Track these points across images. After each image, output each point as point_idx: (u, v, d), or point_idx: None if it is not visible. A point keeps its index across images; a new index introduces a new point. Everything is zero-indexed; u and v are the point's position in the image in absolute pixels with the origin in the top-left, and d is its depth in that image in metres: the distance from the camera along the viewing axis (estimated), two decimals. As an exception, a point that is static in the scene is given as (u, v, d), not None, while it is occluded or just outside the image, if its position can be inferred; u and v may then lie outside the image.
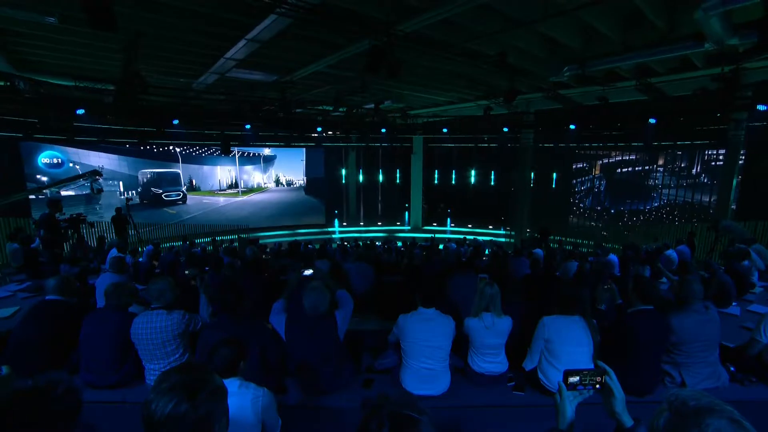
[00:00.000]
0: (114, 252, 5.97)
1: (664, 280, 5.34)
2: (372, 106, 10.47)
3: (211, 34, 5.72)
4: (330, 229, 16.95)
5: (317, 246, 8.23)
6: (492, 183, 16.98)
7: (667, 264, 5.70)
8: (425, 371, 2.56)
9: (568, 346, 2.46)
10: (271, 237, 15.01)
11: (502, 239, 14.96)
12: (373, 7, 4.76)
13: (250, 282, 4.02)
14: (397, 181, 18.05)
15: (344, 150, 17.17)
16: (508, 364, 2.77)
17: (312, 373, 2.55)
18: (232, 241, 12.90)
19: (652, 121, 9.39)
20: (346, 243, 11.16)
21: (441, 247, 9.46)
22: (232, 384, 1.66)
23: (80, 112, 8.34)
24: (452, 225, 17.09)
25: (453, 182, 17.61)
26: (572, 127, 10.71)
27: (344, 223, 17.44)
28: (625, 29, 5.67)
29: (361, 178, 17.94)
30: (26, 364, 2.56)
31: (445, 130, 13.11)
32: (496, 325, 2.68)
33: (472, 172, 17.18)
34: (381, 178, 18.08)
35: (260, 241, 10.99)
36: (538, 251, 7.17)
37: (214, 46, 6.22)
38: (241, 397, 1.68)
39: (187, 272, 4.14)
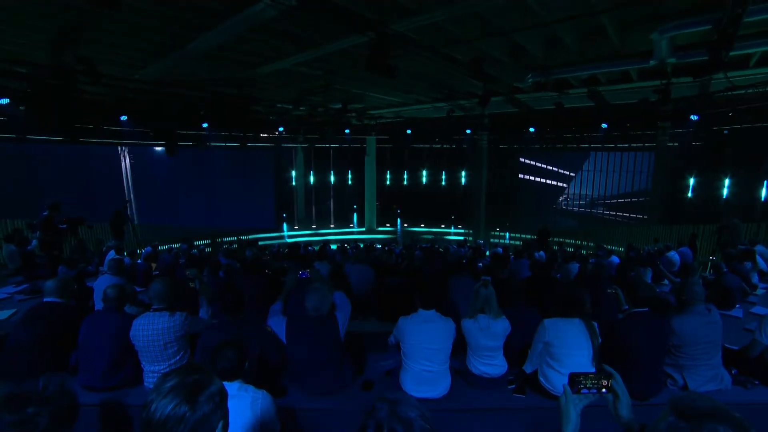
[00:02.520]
0: (112, 254, 5.97)
1: (666, 282, 5.34)
2: (339, 106, 10.42)
3: (180, 21, 5.09)
4: (275, 234, 15.95)
5: (317, 248, 8.22)
6: (443, 183, 17.24)
7: (669, 266, 5.70)
8: (425, 374, 2.56)
9: (568, 349, 2.46)
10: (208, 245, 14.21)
11: (460, 237, 15.36)
12: (371, 6, 4.76)
13: (249, 284, 4.02)
14: (349, 182, 17.81)
15: (294, 151, 16.79)
16: (507, 366, 2.77)
17: (312, 374, 2.55)
18: (231, 242, 12.89)
19: (604, 126, 10.47)
20: (346, 245, 11.16)
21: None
22: (231, 386, 1.66)
23: (3, 101, 7.14)
24: (404, 225, 17.10)
25: (405, 182, 17.70)
26: (531, 129, 11.66)
27: (295, 227, 16.84)
28: (585, 42, 6.22)
29: (312, 179, 17.56)
30: (23, 367, 2.56)
31: (408, 132, 13.31)
32: (491, 327, 2.68)
33: (424, 173, 17.35)
34: (332, 179, 17.76)
35: (259, 243, 11.00)
36: (541, 254, 7.18)
37: (179, 35, 5.53)
38: (240, 399, 1.68)
39: (187, 272, 4.14)
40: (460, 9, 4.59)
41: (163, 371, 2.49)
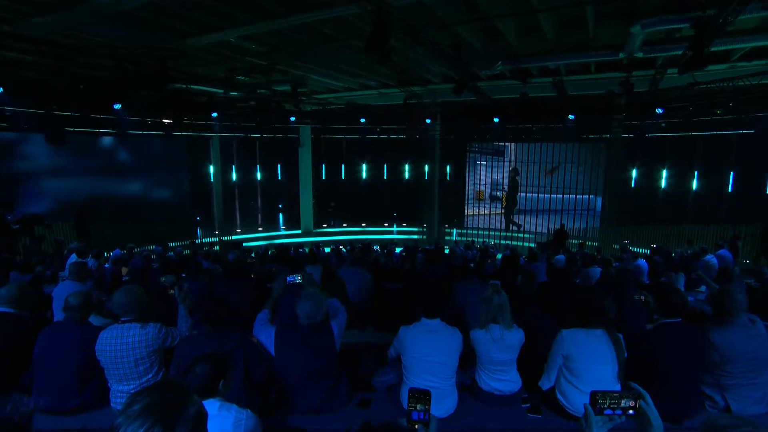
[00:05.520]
0: (74, 257, 5.95)
1: (702, 288, 5.35)
2: (286, 88, 10.19)
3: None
4: (187, 242, 12.93)
5: (307, 250, 8.22)
6: (385, 177, 17.05)
7: (706, 271, 5.72)
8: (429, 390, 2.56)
9: (590, 364, 2.46)
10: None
11: (415, 236, 15.45)
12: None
13: (232, 290, 4.01)
14: (279, 177, 16.82)
15: (210, 142, 15.52)
16: (521, 382, 2.78)
17: (304, 391, 2.56)
18: (212, 244, 12.80)
19: (571, 117, 11.42)
20: (341, 246, 11.16)
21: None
22: (211, 405, 1.66)
23: None
24: (344, 225, 16.83)
25: (343, 177, 17.30)
26: (496, 120, 12.32)
27: (216, 232, 15.23)
28: (561, 32, 6.70)
29: (234, 175, 16.18)
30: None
31: (362, 120, 13.34)
32: (505, 339, 2.68)
33: (364, 166, 17.03)
34: (259, 174, 16.56)
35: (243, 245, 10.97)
36: (561, 257, 7.20)
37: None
38: (222, 420, 1.68)
39: (163, 279, 4.14)
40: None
41: (133, 391, 2.48)
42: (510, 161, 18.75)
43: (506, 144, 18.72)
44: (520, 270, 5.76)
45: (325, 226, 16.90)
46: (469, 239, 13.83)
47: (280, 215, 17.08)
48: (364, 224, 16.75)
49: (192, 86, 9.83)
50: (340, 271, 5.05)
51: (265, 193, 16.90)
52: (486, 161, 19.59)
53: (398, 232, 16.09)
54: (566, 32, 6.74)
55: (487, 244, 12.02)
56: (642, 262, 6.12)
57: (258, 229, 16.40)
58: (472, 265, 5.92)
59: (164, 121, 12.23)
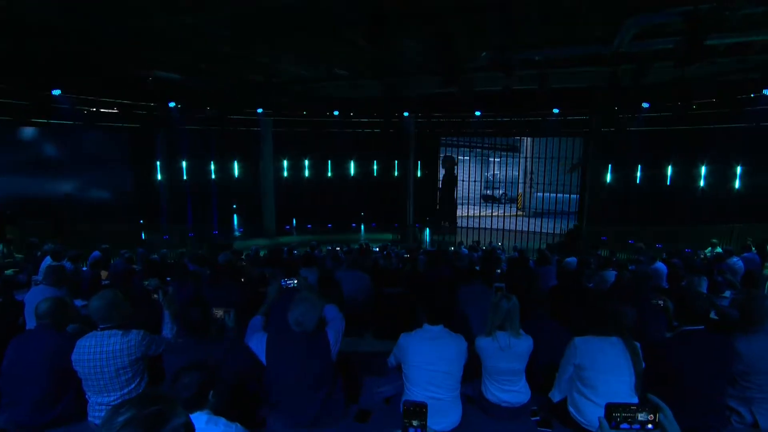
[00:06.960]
0: (48, 260, 5.92)
1: (726, 294, 5.35)
2: (258, 78, 10.32)
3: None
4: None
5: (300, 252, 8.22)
6: (351, 175, 16.82)
7: (731, 275, 5.72)
8: (432, 402, 2.52)
9: (604, 374, 2.45)
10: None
11: (389, 244, 15.33)
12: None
13: (222, 294, 4.01)
14: (236, 175, 16.02)
15: (159, 134, 14.29)
16: (530, 393, 2.78)
17: (297, 402, 2.55)
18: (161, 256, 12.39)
19: (555, 110, 12.03)
20: (338, 248, 11.17)
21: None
22: (198, 419, 1.66)
23: None
24: (308, 228, 16.54)
25: (307, 175, 16.84)
26: (477, 113, 12.75)
27: (165, 236, 14.21)
28: (552, 23, 6.91)
29: (185, 173, 15.10)
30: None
31: (336, 113, 13.24)
32: (513, 347, 2.68)
33: (329, 163, 16.74)
34: (214, 173, 15.64)
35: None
36: (572, 259, 7.20)
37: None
38: (209, 435, 1.68)
39: (146, 283, 4.15)
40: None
41: (113, 403, 2.47)
42: (525, 157, 18.72)
43: (522, 138, 18.70)
44: (529, 273, 5.78)
45: (288, 228, 16.51)
46: (474, 240, 13.84)
47: (235, 216, 16.52)
48: (330, 226, 16.43)
49: (157, 72, 9.79)
50: (338, 274, 5.05)
51: (222, 193, 16.03)
52: (500, 158, 19.55)
53: (367, 240, 15.57)
54: (557, 24, 6.88)
55: (493, 246, 12.05)
56: (660, 264, 6.13)
57: (213, 232, 15.56)
58: (477, 267, 5.94)
59: (95, 109, 11.32)
